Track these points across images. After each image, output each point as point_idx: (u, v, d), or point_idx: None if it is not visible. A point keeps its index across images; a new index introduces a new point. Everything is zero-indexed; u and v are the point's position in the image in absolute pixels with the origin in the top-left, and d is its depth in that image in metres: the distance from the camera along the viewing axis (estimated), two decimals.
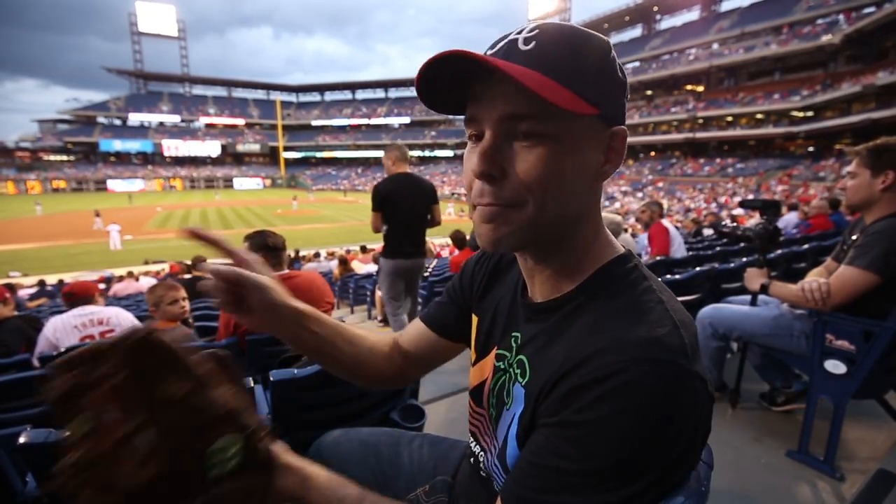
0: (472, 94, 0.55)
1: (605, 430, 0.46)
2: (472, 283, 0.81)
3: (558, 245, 0.59)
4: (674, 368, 0.47)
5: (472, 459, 0.74)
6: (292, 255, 11.43)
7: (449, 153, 65.32)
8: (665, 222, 4.26)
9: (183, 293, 2.54)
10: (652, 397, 0.46)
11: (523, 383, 0.59)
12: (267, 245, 2.28)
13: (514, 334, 0.66)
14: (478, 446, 0.72)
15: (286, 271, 2.38)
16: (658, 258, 3.90)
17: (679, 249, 4.09)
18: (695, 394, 0.48)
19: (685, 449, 0.48)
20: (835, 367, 1.74)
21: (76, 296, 2.82)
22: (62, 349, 2.43)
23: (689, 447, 0.49)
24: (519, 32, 0.54)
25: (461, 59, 0.49)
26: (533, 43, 0.51)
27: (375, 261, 9.54)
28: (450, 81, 0.54)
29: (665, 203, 27.14)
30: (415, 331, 0.87)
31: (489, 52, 0.54)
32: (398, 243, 3.34)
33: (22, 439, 0.98)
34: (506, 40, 0.54)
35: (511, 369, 0.63)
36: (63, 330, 2.62)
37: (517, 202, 0.53)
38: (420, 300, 4.66)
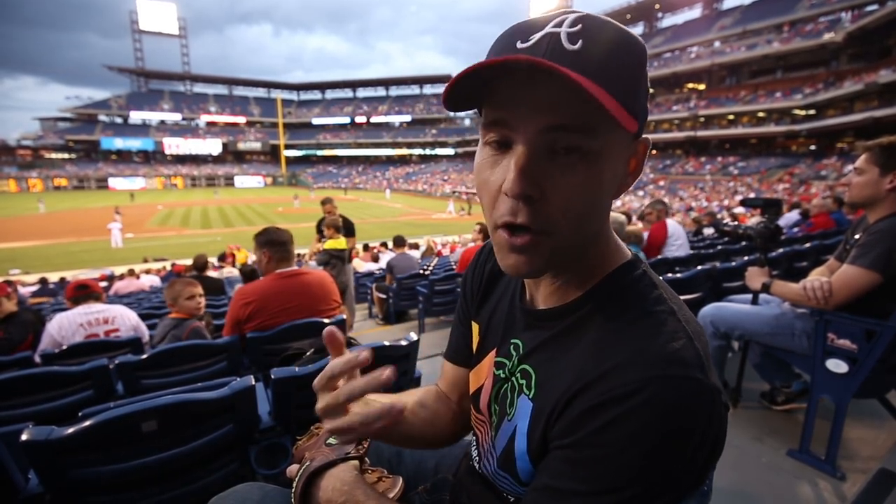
0: (499, 94, 0.48)
1: (626, 452, 0.45)
2: (473, 293, 0.79)
3: (576, 259, 0.56)
4: (692, 384, 0.46)
5: (471, 460, 0.74)
6: None
7: (450, 151, 65.17)
8: (669, 221, 4.25)
9: (200, 290, 2.56)
10: (672, 416, 0.45)
11: (530, 396, 0.58)
12: (272, 241, 2.33)
13: (513, 341, 0.64)
14: (476, 450, 0.72)
15: (295, 268, 2.39)
16: (659, 258, 3.89)
17: (681, 248, 4.07)
18: (713, 407, 0.47)
19: (705, 462, 0.48)
20: (836, 366, 1.73)
21: (88, 289, 2.84)
22: (65, 347, 2.44)
23: (709, 460, 0.48)
24: (558, 24, 0.46)
25: (521, 63, 0.43)
26: (580, 42, 0.45)
27: (375, 259, 9.55)
28: (478, 81, 0.47)
29: (666, 202, 27.08)
30: (447, 373, 0.84)
31: (522, 45, 0.47)
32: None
33: (24, 436, 0.98)
34: (543, 32, 0.46)
35: (514, 378, 0.62)
36: (69, 328, 2.62)
37: (551, 227, 0.48)
38: (421, 299, 4.68)
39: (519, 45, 0.47)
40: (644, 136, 0.53)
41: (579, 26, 0.46)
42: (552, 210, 0.47)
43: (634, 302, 0.53)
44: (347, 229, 5.47)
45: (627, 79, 0.47)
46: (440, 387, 0.85)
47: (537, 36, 0.46)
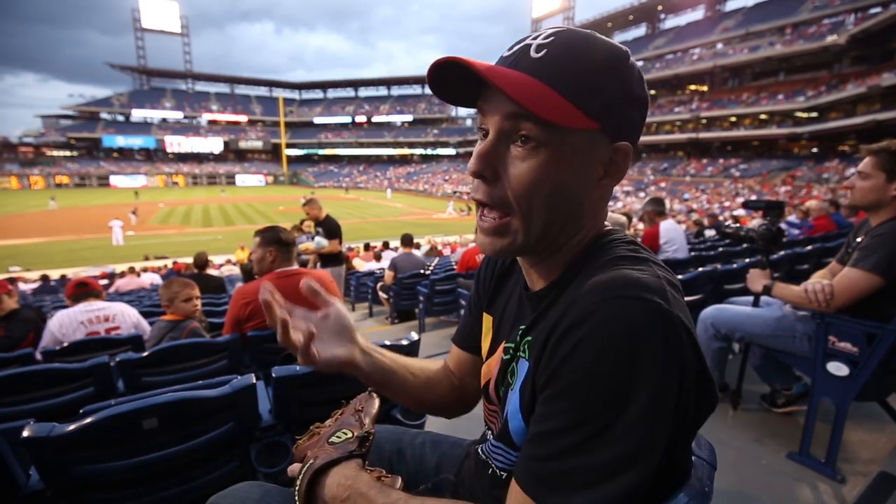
0: (484, 91, 0.56)
1: (590, 375, 0.46)
2: (485, 286, 0.82)
3: (555, 247, 0.60)
4: (647, 304, 0.47)
5: (480, 453, 0.74)
6: None
7: (451, 151, 65.20)
8: (664, 224, 4.13)
9: (197, 292, 2.55)
10: (630, 333, 0.45)
11: (526, 357, 0.61)
12: (279, 240, 2.31)
13: (521, 327, 0.66)
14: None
15: (295, 267, 2.38)
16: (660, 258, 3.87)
17: (678, 251, 4.00)
18: (672, 330, 0.47)
19: (679, 386, 0.47)
20: (837, 369, 1.73)
21: (87, 287, 2.84)
22: (66, 344, 2.44)
23: (682, 387, 0.47)
24: (535, 38, 0.54)
25: (456, 65, 0.51)
26: (544, 51, 0.52)
27: (377, 258, 9.55)
28: (464, 79, 0.55)
29: (667, 203, 27.02)
30: (453, 354, 0.90)
31: (505, 54, 0.56)
32: None
33: (26, 433, 0.98)
34: (521, 44, 0.55)
35: (518, 353, 0.64)
36: (69, 325, 2.63)
37: (507, 205, 0.55)
38: (421, 298, 4.68)
39: (504, 54, 0.57)
40: (624, 142, 0.56)
41: (551, 38, 0.53)
42: (504, 189, 0.55)
43: (606, 253, 0.57)
44: (331, 231, 5.15)
45: (589, 81, 0.52)
46: (447, 362, 0.91)
47: (517, 47, 0.55)
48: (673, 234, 4.08)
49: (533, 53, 0.53)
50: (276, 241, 2.31)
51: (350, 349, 0.72)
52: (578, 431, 0.46)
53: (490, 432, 0.74)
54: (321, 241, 5.14)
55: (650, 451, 0.46)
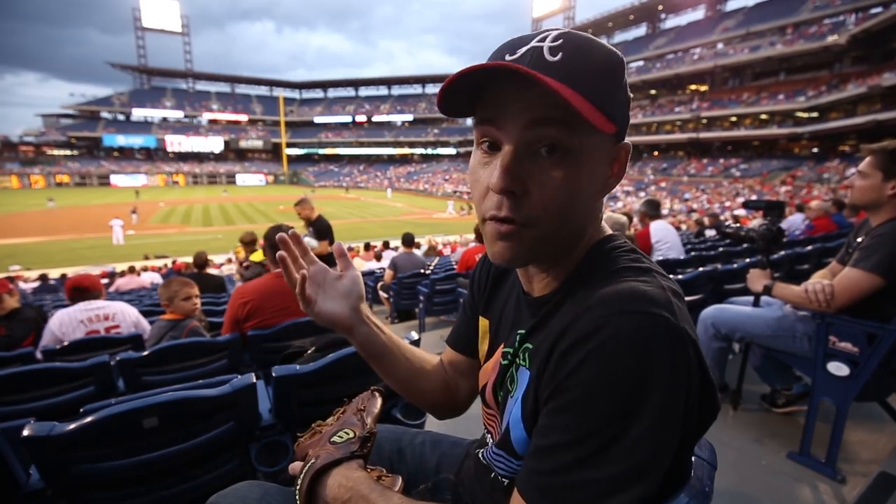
0: (488, 98, 0.53)
1: (597, 390, 0.46)
2: (480, 289, 0.82)
3: (562, 253, 0.60)
4: (658, 320, 0.47)
5: (482, 458, 0.74)
6: None
7: (451, 151, 65.20)
8: (655, 225, 4.16)
9: (196, 290, 2.55)
10: (638, 349, 0.45)
11: (527, 366, 0.60)
12: (269, 241, 2.34)
13: (519, 332, 0.66)
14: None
15: None
16: (660, 258, 3.88)
17: (671, 250, 4.00)
18: (678, 344, 0.47)
19: (685, 400, 0.47)
20: (837, 369, 1.73)
21: (85, 289, 2.83)
22: (66, 343, 2.44)
23: (688, 400, 0.47)
24: (542, 40, 0.52)
25: (503, 70, 0.48)
26: (560, 55, 0.50)
27: (378, 258, 9.55)
28: (469, 87, 0.53)
29: (668, 203, 27.08)
30: (447, 354, 0.89)
31: (510, 58, 0.53)
32: None
33: (26, 432, 0.98)
34: (528, 46, 0.52)
35: (516, 360, 0.64)
36: (69, 324, 2.62)
37: (532, 220, 0.53)
38: (422, 298, 4.68)
39: (507, 57, 0.53)
40: (625, 141, 0.58)
41: (560, 41, 0.52)
42: (533, 205, 0.52)
43: (610, 262, 0.57)
44: (322, 232, 4.90)
45: (602, 85, 0.52)
46: (443, 358, 0.92)
47: (523, 49, 0.52)
48: (664, 234, 4.10)
49: (548, 57, 0.50)
50: (266, 243, 2.39)
51: (349, 312, 0.76)
52: (584, 446, 0.46)
53: (490, 437, 0.73)
54: (311, 242, 5.03)
55: (656, 465, 0.46)
